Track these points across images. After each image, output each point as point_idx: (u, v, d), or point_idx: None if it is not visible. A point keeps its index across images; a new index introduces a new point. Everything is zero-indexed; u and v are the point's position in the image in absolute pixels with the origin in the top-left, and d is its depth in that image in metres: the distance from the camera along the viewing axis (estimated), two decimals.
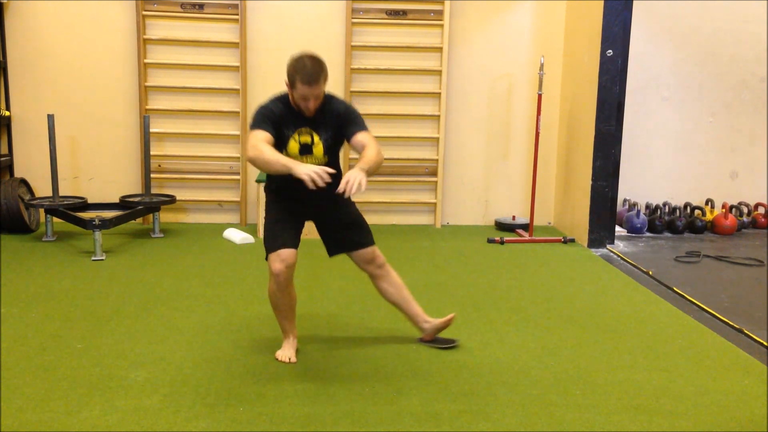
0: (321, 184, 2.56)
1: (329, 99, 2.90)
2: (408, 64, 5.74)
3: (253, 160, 2.70)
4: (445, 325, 3.19)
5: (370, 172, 2.69)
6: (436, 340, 3.21)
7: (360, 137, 2.84)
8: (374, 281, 3.15)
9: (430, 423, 2.45)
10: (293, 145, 2.86)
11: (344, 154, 5.72)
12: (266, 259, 2.88)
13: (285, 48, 5.58)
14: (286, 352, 2.98)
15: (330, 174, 2.60)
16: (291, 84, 2.77)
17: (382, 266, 3.11)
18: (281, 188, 2.95)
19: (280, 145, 2.84)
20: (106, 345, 3.08)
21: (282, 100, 2.87)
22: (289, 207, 2.96)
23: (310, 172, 2.56)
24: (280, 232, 2.88)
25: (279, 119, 2.81)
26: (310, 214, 3.04)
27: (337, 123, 2.89)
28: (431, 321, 3.18)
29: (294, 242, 2.88)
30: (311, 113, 2.83)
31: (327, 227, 3.08)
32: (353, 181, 2.57)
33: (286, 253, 2.81)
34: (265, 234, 2.93)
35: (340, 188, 2.58)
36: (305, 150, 2.88)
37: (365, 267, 3.09)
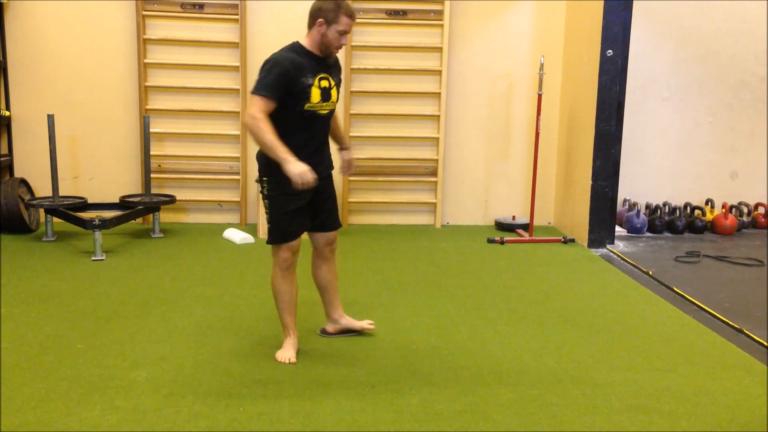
0: (308, 186, 2.67)
1: None
2: (408, 64, 5.74)
3: (251, 130, 2.69)
4: (359, 330, 3.26)
5: None
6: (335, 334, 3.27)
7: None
8: (320, 261, 3.15)
9: (430, 423, 2.45)
10: (315, 93, 2.82)
11: None
12: (272, 243, 2.88)
13: None
14: (287, 353, 2.97)
15: (322, 145, 2.95)
16: (332, 19, 2.78)
17: (335, 250, 3.18)
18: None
19: (302, 98, 2.79)
20: (106, 345, 3.08)
21: (295, 50, 2.83)
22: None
23: (302, 173, 2.62)
24: (293, 220, 2.87)
25: (296, 73, 2.75)
26: (313, 191, 2.95)
27: (339, 68, 3.01)
28: (348, 318, 3.26)
29: (305, 229, 2.96)
30: (338, 51, 2.87)
31: (319, 206, 3.03)
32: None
33: (295, 242, 2.88)
34: (278, 219, 2.87)
35: (347, 171, 3.17)
36: (325, 96, 2.87)
37: (324, 248, 3.12)
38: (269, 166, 2.81)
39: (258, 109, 2.68)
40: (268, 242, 2.91)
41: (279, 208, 2.87)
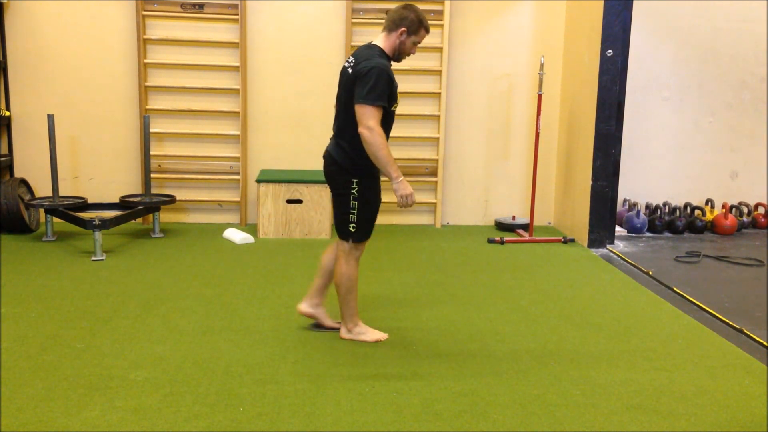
0: (409, 207, 2.94)
1: None
2: (408, 64, 5.70)
3: (370, 142, 2.81)
4: (328, 328, 3.32)
5: None
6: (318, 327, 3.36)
7: None
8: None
9: (430, 423, 2.45)
10: (398, 95, 3.04)
11: None
12: (359, 241, 3.04)
13: (285, 48, 5.61)
14: (375, 333, 3.18)
15: None
16: (413, 31, 2.97)
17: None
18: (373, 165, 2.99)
19: (393, 99, 2.96)
20: (106, 345, 3.08)
21: (382, 55, 2.98)
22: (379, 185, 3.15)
23: (411, 195, 2.90)
24: (374, 219, 3.11)
25: (393, 78, 2.91)
26: None
27: None
28: (323, 310, 3.32)
29: None
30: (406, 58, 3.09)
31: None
32: None
33: None
34: (367, 219, 3.04)
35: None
36: None
37: None
38: (361, 170, 2.97)
39: (376, 121, 2.83)
40: (355, 240, 3.04)
41: (368, 209, 3.04)
